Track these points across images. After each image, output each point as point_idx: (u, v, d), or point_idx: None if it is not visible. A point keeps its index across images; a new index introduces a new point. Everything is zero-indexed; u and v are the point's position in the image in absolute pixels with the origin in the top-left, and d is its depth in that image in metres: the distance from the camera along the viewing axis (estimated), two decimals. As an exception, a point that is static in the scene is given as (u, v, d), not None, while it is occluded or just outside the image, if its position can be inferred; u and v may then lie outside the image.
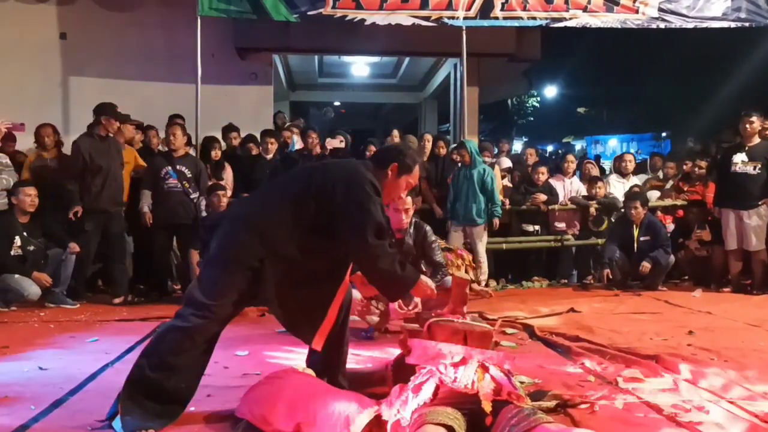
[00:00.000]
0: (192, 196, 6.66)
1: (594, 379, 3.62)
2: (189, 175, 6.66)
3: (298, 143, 8.59)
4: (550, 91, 26.91)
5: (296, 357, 4.17)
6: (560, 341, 4.59)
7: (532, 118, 27.20)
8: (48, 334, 4.94)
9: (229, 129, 8.14)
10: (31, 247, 6.04)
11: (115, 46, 9.04)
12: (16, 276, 5.85)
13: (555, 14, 7.79)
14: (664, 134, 26.76)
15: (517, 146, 19.43)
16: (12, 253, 5.95)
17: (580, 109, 29.75)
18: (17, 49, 8.85)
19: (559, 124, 27.95)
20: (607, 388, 3.39)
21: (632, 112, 26.11)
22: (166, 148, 6.94)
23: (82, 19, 9.08)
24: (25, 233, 6.04)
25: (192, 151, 7.23)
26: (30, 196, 6.05)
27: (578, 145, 28.66)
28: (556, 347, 4.47)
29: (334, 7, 7.53)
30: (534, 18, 7.82)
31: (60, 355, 4.25)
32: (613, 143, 29.10)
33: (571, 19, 7.81)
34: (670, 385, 3.48)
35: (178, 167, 6.63)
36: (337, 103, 17.38)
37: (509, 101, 23.83)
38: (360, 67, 12.91)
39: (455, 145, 8.17)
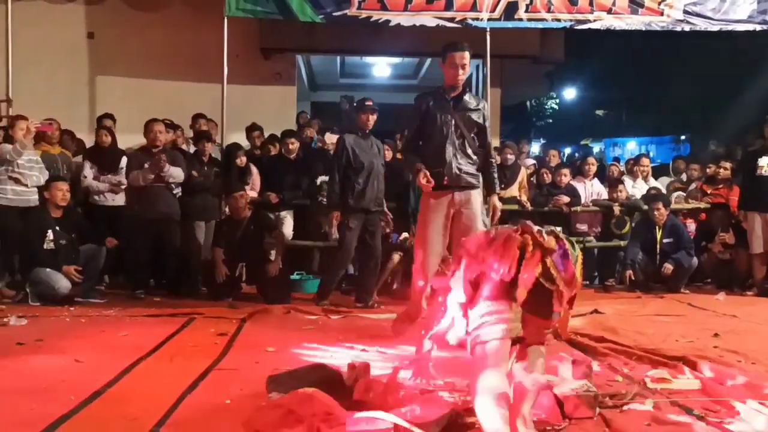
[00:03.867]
0: (174, 191, 6.72)
1: (622, 380, 3.64)
2: None
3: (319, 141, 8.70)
4: (569, 93, 26.83)
5: (324, 354, 4.24)
6: (585, 342, 4.60)
7: (551, 120, 27.14)
8: (80, 328, 5.03)
9: (252, 129, 8.24)
10: (63, 241, 6.14)
11: (142, 45, 9.17)
12: (48, 270, 5.96)
13: (579, 16, 7.79)
14: (683, 137, 26.60)
15: (535, 148, 19.40)
16: (45, 246, 6.05)
17: (599, 112, 29.63)
18: (46, 49, 9.00)
19: (578, 126, 27.84)
20: (636, 388, 3.41)
21: (651, 115, 25.96)
22: (193, 147, 7.03)
23: (109, 18, 9.23)
24: (57, 227, 6.15)
25: (215, 152, 7.32)
26: (62, 191, 6.18)
27: (596, 148, 28.54)
28: (581, 348, 4.49)
29: (359, 8, 7.58)
30: (558, 20, 7.82)
31: (93, 348, 4.31)
32: (632, 146, 28.96)
33: (595, 21, 7.80)
34: (699, 386, 3.49)
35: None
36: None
37: (528, 103, 23.77)
38: (381, 67, 12.98)
39: None
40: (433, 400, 2.98)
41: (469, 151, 4.75)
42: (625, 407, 3.13)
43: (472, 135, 4.78)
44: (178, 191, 6.76)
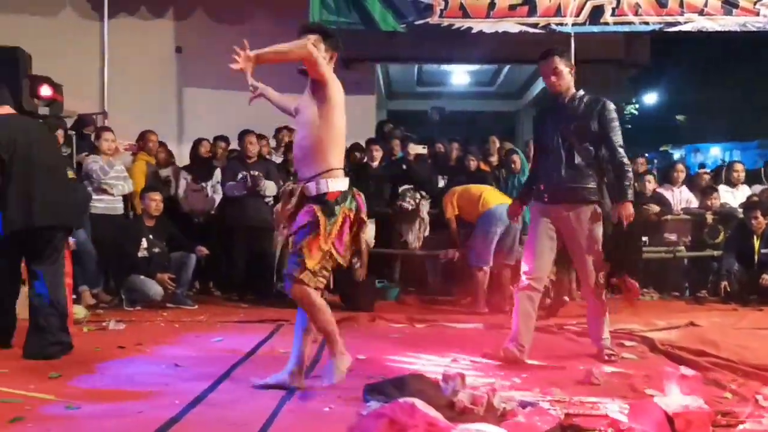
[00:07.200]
0: (267, 200, 6.87)
1: (731, 397, 3.48)
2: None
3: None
4: (649, 98, 26.14)
5: (415, 363, 4.22)
6: (684, 355, 4.42)
7: (629, 126, 26.46)
8: (175, 334, 5.18)
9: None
10: (156, 250, 6.35)
11: (228, 58, 9.30)
12: (142, 277, 6.16)
13: (669, 18, 7.53)
14: (771, 141, 25.48)
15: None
16: (139, 254, 6.27)
17: (679, 117, 28.72)
18: (136, 63, 9.30)
19: (656, 132, 27.03)
20: (749, 406, 3.25)
21: (734, 119, 25.06)
22: (282, 157, 7.22)
23: (196, 32, 9.48)
24: (151, 236, 6.36)
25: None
26: (155, 201, 6.39)
27: (676, 154, 27.62)
28: (679, 361, 4.31)
29: (441, 16, 7.56)
30: (646, 23, 7.58)
31: (191, 353, 4.44)
32: (716, 152, 27.88)
33: (686, 23, 7.54)
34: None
35: (252, 172, 6.81)
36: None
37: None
38: (459, 75, 12.92)
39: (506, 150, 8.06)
40: (537, 413, 2.91)
41: (579, 161, 4.30)
42: (740, 426, 2.99)
43: (586, 144, 4.33)
44: (270, 200, 6.93)
